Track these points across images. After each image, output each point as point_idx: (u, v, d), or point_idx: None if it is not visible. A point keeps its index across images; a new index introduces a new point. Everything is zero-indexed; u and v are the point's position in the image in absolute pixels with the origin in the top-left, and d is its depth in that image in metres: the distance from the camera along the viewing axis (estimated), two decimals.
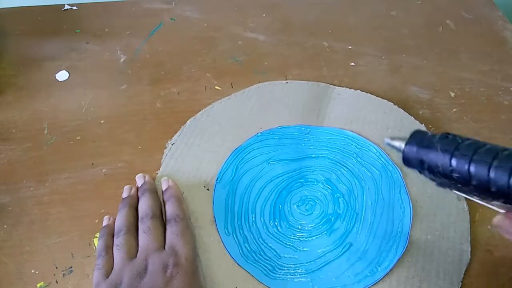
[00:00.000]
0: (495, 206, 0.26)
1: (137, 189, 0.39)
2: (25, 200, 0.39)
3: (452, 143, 0.25)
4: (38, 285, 0.34)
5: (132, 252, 0.33)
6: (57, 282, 0.34)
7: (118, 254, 0.33)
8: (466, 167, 0.24)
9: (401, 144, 0.28)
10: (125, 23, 0.55)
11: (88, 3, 0.57)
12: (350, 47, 0.54)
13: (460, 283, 0.35)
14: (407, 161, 0.27)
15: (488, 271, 0.36)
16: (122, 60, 0.51)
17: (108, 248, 0.34)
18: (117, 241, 0.34)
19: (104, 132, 0.44)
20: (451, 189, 0.27)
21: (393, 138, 0.29)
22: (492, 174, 0.23)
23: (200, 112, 0.45)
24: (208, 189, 0.39)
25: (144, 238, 0.33)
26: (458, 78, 0.51)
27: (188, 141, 0.43)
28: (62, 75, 0.49)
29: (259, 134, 0.43)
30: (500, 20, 0.58)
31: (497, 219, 0.26)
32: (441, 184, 0.27)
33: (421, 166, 0.27)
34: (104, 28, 0.54)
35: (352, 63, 0.52)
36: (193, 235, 0.36)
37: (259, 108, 0.46)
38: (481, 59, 0.53)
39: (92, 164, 0.41)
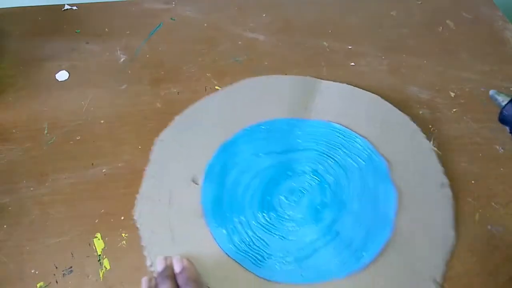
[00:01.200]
0: None
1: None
2: (25, 200, 0.39)
3: None
4: (38, 285, 0.34)
5: None
6: (57, 282, 0.34)
7: None
8: None
9: (504, 100, 0.28)
10: (125, 23, 0.55)
11: (88, 3, 0.57)
12: (350, 47, 0.54)
13: (445, 268, 0.36)
14: (503, 118, 0.29)
15: (488, 271, 0.36)
16: (122, 60, 0.51)
17: None
18: None
19: (104, 132, 0.44)
20: None
21: (499, 93, 0.29)
22: None
23: (187, 109, 0.46)
24: (197, 184, 0.40)
25: None
26: (458, 78, 0.51)
27: (177, 137, 0.43)
28: (62, 75, 0.49)
29: (247, 128, 0.44)
30: (500, 20, 0.58)
31: None
32: None
33: None
34: (104, 28, 0.54)
35: (352, 63, 0.52)
36: None
37: (246, 103, 0.46)
38: (481, 59, 0.53)
39: (92, 164, 0.41)
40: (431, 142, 0.44)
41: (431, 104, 0.48)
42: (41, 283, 0.34)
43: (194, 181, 0.40)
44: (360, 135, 0.43)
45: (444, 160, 0.43)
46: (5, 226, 0.37)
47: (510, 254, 0.37)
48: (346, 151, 0.42)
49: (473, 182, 0.42)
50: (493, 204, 0.40)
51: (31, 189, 0.40)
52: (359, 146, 0.43)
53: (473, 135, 0.45)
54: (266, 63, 0.51)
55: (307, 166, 0.41)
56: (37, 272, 0.35)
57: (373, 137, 0.43)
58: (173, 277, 0.34)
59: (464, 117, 0.47)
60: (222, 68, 0.50)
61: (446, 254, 0.36)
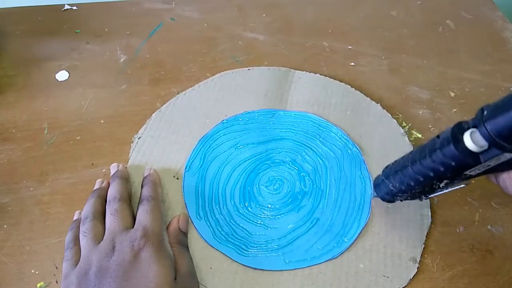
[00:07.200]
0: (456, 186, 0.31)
1: (109, 182, 0.38)
2: (25, 200, 0.39)
3: (390, 168, 0.34)
4: (38, 285, 0.34)
5: (99, 237, 0.32)
6: (57, 282, 0.34)
7: (84, 241, 0.32)
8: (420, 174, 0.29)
9: (374, 194, 0.37)
10: (125, 23, 0.55)
11: (88, 3, 0.57)
12: (350, 47, 0.54)
13: (423, 245, 0.37)
14: (382, 199, 0.36)
15: (488, 271, 0.36)
16: (122, 60, 0.51)
17: (76, 239, 0.34)
18: (83, 228, 0.33)
19: (104, 132, 0.44)
20: (426, 197, 0.32)
21: (372, 194, 0.38)
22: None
23: (165, 105, 0.46)
24: (177, 178, 0.40)
25: (110, 220, 0.33)
26: (458, 78, 0.51)
27: (155, 133, 0.43)
28: (62, 75, 0.49)
29: (225, 121, 0.44)
30: (500, 20, 0.58)
31: (501, 181, 0.29)
32: (412, 197, 0.33)
33: (390, 198, 0.35)
34: (104, 28, 0.54)
35: (352, 63, 0.52)
36: (163, 215, 0.36)
37: (223, 96, 0.47)
38: (481, 59, 0.53)
39: (92, 164, 0.41)
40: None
41: (431, 104, 0.48)
42: (41, 283, 0.34)
43: (175, 176, 0.40)
44: (334, 124, 0.44)
45: None
46: (5, 226, 0.37)
47: (510, 254, 0.37)
48: (323, 141, 0.43)
49: (473, 182, 0.42)
50: (493, 204, 0.40)
51: (31, 189, 0.40)
52: (335, 135, 0.44)
53: None
54: (266, 63, 0.51)
55: (286, 156, 0.42)
56: (37, 272, 0.35)
57: (346, 126, 0.45)
58: (123, 177, 0.37)
59: (464, 117, 0.46)
60: (222, 68, 0.50)
61: (424, 233, 0.38)
